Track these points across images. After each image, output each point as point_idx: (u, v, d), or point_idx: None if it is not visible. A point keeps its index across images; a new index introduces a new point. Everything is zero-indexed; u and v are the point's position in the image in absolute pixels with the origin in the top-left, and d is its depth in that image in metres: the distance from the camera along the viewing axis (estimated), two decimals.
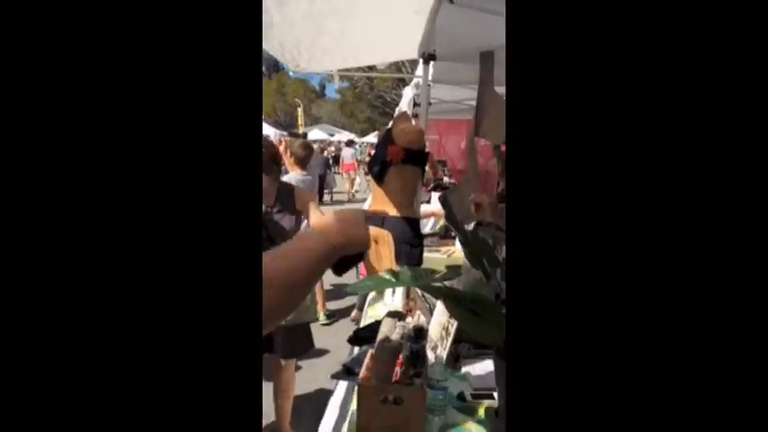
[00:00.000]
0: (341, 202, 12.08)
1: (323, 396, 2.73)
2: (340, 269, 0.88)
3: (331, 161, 13.00)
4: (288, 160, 3.15)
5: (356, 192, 12.57)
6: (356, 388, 1.17)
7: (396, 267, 1.75)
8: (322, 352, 3.10)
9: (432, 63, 2.43)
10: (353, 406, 1.18)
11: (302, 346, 2.27)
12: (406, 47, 2.50)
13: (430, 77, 2.53)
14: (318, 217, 2.18)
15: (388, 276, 1.09)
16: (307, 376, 2.76)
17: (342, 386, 2.28)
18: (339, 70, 3.58)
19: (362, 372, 1.27)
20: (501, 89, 2.27)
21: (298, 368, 2.37)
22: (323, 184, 11.66)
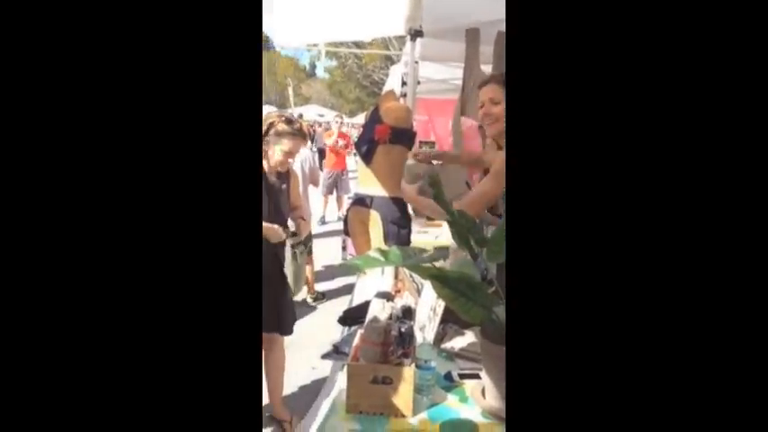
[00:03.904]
0: None
1: (313, 376, 2.75)
2: None
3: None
4: None
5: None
6: (345, 368, 1.18)
7: (384, 247, 1.74)
8: (312, 332, 3.12)
9: (419, 40, 2.39)
10: (343, 386, 1.18)
11: (290, 322, 2.27)
12: (393, 22, 2.45)
13: (417, 55, 2.49)
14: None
15: (376, 255, 1.09)
16: (297, 356, 2.78)
17: (332, 366, 2.30)
18: (326, 44, 3.52)
19: (352, 352, 1.27)
20: (487, 67, 2.25)
21: (287, 348, 2.37)
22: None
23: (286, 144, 2.05)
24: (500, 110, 1.52)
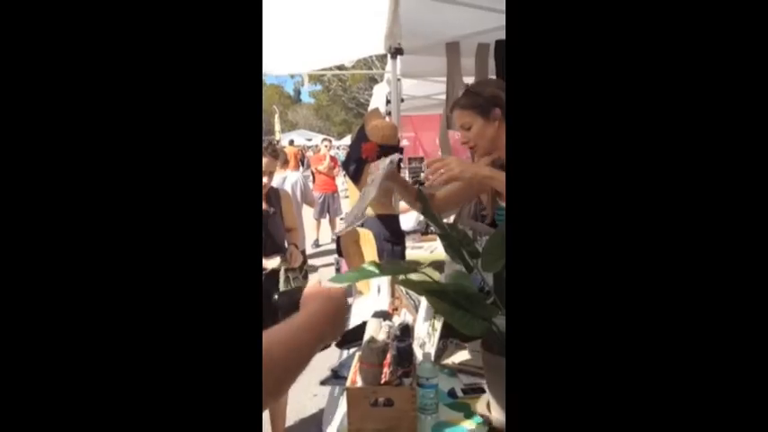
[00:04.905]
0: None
1: (314, 403, 2.68)
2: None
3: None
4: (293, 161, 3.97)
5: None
6: (345, 392, 1.14)
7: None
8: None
9: (399, 58, 2.41)
10: (344, 410, 1.15)
11: None
12: (373, 42, 2.47)
13: (399, 72, 2.50)
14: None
15: (371, 267, 1.07)
16: (297, 384, 2.73)
17: (332, 391, 2.24)
18: (308, 72, 3.55)
19: (351, 375, 1.24)
20: (469, 79, 2.26)
21: None
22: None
23: None
24: (474, 133, 1.45)
